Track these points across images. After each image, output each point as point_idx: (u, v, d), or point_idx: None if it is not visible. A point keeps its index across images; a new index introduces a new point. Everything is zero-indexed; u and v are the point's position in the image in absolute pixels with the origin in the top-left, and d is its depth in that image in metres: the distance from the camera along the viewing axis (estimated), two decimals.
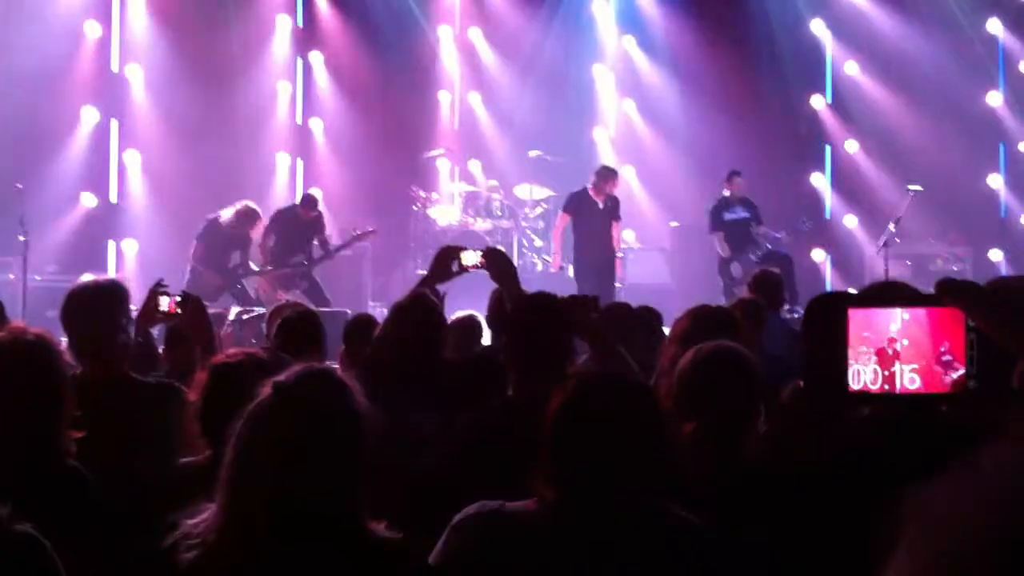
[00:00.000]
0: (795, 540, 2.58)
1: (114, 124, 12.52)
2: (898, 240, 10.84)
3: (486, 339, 5.42)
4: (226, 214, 10.31)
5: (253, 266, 10.51)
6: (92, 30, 12.29)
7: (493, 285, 4.81)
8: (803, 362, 2.02)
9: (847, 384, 1.91)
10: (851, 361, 1.91)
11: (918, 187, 10.85)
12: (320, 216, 11.01)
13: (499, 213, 12.97)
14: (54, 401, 2.72)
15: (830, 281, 12.93)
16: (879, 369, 1.91)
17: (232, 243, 10.38)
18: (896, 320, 1.92)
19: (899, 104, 12.92)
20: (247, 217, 10.34)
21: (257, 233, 10.52)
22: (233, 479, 2.04)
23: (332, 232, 11.64)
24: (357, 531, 2.05)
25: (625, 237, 13.25)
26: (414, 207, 13.03)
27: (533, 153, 13.58)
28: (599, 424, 2.26)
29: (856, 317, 1.93)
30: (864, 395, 1.93)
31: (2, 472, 2.25)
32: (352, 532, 2.05)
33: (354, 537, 2.05)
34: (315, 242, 10.77)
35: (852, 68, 13.43)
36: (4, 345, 2.72)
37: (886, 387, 1.91)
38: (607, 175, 10.96)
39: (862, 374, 1.92)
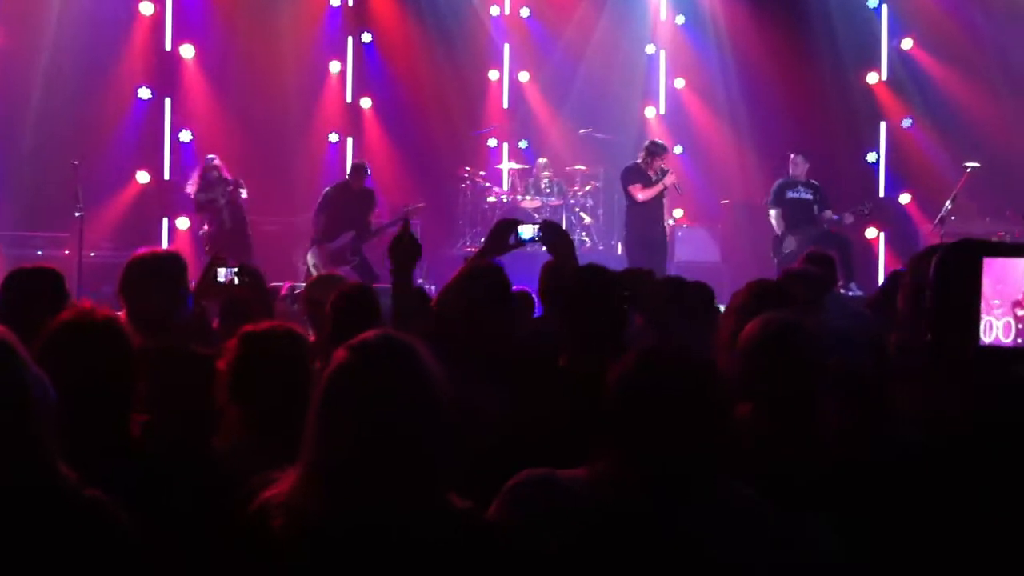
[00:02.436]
0: (866, 527, 2.52)
1: (167, 103, 12.63)
2: (953, 218, 10.67)
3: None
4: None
5: None
6: (146, 9, 12.40)
7: (541, 262, 4.81)
8: (933, 313, 1.92)
9: (978, 337, 1.81)
10: (983, 313, 1.81)
11: (975, 164, 10.66)
12: (372, 193, 11.08)
13: (548, 190, 12.95)
14: (122, 382, 2.72)
15: (883, 259, 12.77)
16: (1013, 322, 1.81)
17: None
18: None
19: (955, 80, 12.68)
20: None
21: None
22: (316, 444, 2.04)
23: (382, 210, 11.70)
24: (439, 497, 2.06)
25: (674, 214, 13.19)
26: (463, 185, 13.04)
27: (583, 131, 13.56)
28: (658, 397, 2.21)
29: (992, 267, 1.83)
30: (995, 349, 1.83)
31: (72, 452, 2.26)
32: (434, 497, 2.05)
33: (435, 503, 2.06)
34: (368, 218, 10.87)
35: (908, 44, 13.20)
36: (73, 325, 2.71)
37: (1020, 341, 1.81)
38: (656, 150, 10.85)
39: (994, 327, 1.82)
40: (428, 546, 2.02)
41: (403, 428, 2.02)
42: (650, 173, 10.74)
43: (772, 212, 11.15)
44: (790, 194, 11.08)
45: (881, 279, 12.34)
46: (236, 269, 3.96)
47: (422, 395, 2.05)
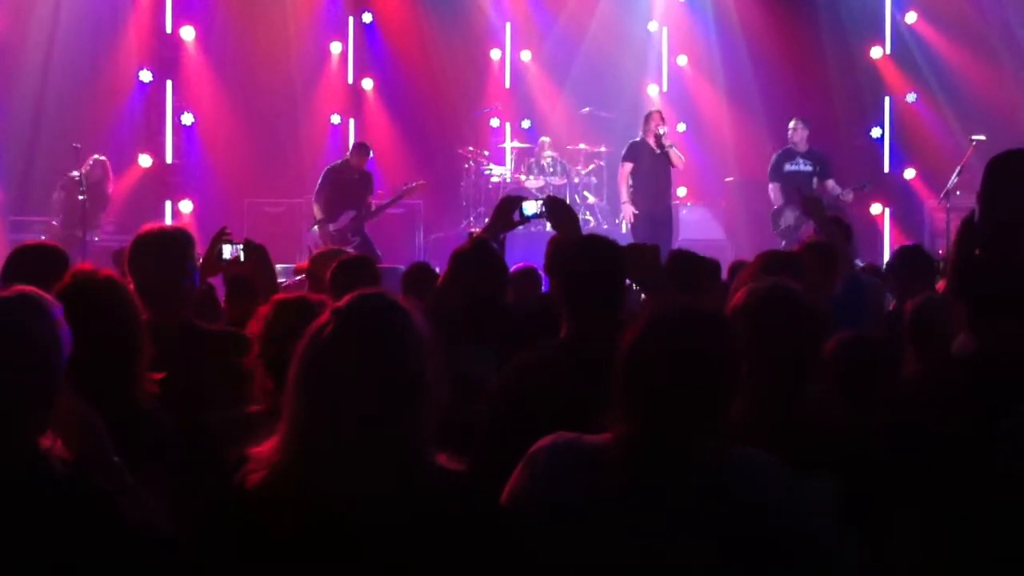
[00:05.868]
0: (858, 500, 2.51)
1: (169, 85, 12.60)
2: (959, 193, 10.61)
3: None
4: None
5: None
6: None
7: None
8: (981, 222, 1.90)
9: None
10: None
11: (981, 137, 10.58)
12: (370, 175, 11.06)
13: (551, 170, 12.93)
14: (129, 342, 2.70)
15: (888, 234, 12.74)
16: None
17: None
18: None
19: (960, 54, 12.62)
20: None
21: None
22: (296, 403, 2.04)
23: (383, 191, 11.68)
24: (420, 457, 2.05)
25: (678, 193, 13.16)
26: (465, 165, 13.01)
27: (585, 110, 13.51)
28: (678, 357, 2.17)
29: None
30: None
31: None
32: (415, 457, 2.04)
33: (417, 462, 2.04)
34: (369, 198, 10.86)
35: (912, 18, 13.13)
36: (76, 286, 2.70)
37: None
38: (649, 116, 10.84)
39: None
40: (404, 508, 2.00)
41: (382, 388, 2.00)
42: (649, 140, 10.69)
43: (771, 186, 11.09)
44: (788, 167, 10.99)
45: (887, 255, 12.34)
46: (242, 245, 3.95)
47: (405, 352, 2.03)
